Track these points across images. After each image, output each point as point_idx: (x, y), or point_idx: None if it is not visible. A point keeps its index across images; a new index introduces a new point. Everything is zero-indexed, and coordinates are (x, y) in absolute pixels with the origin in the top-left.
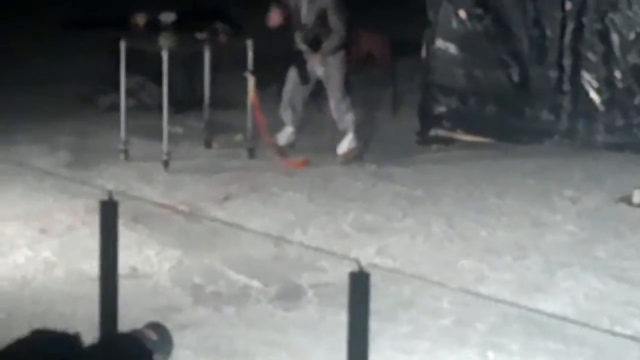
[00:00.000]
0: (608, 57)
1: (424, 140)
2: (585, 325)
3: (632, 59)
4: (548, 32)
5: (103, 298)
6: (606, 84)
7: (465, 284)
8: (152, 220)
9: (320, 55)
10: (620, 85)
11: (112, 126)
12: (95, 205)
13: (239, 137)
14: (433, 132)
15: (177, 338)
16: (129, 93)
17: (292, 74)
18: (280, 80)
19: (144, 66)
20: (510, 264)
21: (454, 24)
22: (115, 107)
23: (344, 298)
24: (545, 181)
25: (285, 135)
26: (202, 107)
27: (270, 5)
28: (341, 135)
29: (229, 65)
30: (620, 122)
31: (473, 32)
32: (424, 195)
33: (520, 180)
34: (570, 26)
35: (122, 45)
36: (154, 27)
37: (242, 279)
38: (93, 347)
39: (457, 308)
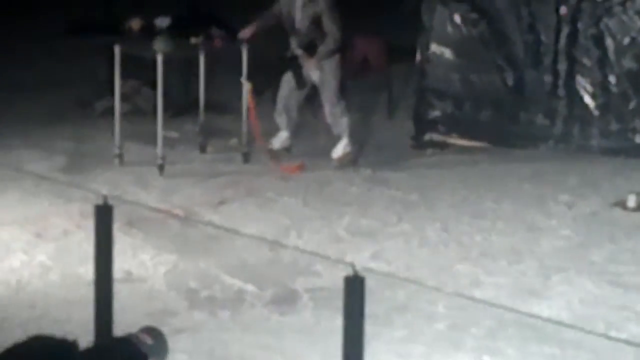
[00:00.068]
0: (603, 62)
1: (419, 144)
2: (580, 329)
3: (626, 63)
4: (543, 37)
5: (98, 302)
6: (601, 89)
7: (460, 289)
8: (147, 224)
9: (315, 59)
10: (615, 90)
11: (107, 131)
12: (90, 209)
13: (234, 141)
14: (428, 136)
15: (172, 342)
16: (124, 98)
17: (288, 79)
18: (275, 85)
19: (139, 71)
20: (505, 269)
21: (449, 28)
22: (111, 112)
23: (339, 302)
24: (541, 186)
25: (280, 139)
26: (197, 112)
27: (263, 13)
28: (336, 139)
29: (224, 70)
30: (615, 126)
31: (468, 37)
32: (419, 200)
33: (515, 184)
34: (565, 31)
35: (117, 50)
36: (149, 32)
37: (237, 283)
38: (88, 351)
39: (453, 312)
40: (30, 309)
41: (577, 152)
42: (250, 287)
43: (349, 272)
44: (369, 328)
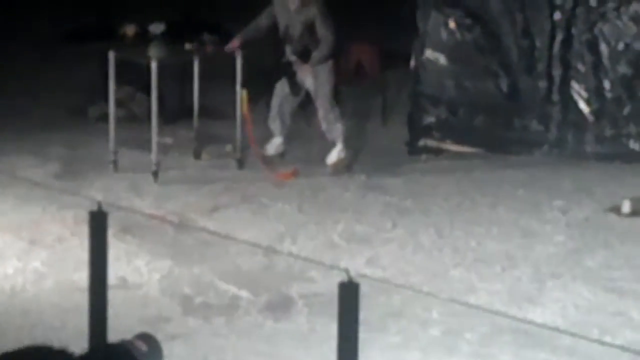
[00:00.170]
0: (597, 68)
1: (414, 150)
2: (575, 335)
3: (621, 69)
4: (537, 43)
5: (92, 309)
6: (595, 94)
7: (455, 294)
8: (141, 230)
9: (309, 65)
10: (609, 95)
11: (101, 137)
12: (84, 216)
13: (228, 147)
14: (422, 142)
15: (166, 349)
16: (118, 104)
17: (282, 85)
18: (270, 91)
19: (134, 77)
20: (500, 275)
21: (444, 34)
22: (105, 118)
23: (333, 308)
24: (535, 191)
25: (273, 145)
26: (192, 118)
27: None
28: (330, 145)
29: (218, 76)
30: (609, 132)
31: (462, 43)
32: (413, 206)
33: (509, 190)
34: (559, 37)
35: (112, 56)
36: (143, 38)
37: (231, 289)
38: (82, 357)
39: (447, 318)
40: (24, 316)
41: (572, 158)
42: (244, 293)
43: (343, 278)
44: (364, 334)
